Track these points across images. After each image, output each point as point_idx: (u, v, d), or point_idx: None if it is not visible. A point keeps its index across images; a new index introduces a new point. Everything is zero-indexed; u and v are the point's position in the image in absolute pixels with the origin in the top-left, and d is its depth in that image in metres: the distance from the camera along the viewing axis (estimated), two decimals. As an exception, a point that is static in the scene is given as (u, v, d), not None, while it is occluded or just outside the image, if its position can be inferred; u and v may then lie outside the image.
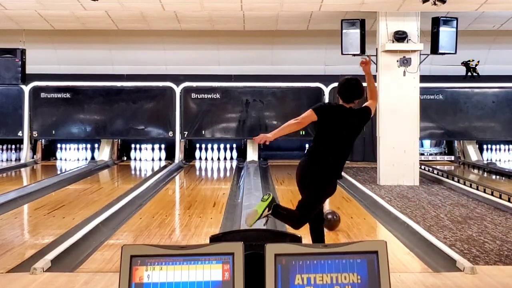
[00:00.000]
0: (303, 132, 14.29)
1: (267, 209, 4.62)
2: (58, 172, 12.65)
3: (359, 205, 8.39)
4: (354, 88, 4.82)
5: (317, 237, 4.95)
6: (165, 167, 13.08)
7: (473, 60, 13.48)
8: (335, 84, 14.38)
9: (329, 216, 6.40)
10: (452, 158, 14.91)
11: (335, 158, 4.80)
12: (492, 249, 5.64)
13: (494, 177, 12.03)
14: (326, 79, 14.46)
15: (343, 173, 5.10)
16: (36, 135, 14.32)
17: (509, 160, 14.61)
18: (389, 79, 10.47)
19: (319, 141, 4.87)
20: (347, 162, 14.97)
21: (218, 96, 14.37)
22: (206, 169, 13.71)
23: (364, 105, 4.93)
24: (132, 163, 14.40)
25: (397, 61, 10.23)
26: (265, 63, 14.44)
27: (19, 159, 14.36)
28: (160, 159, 14.59)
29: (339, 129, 4.77)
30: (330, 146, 4.77)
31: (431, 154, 14.93)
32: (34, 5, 10.28)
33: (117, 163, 14.27)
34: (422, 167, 12.49)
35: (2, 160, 14.45)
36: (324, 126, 4.83)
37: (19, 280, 4.39)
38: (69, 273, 4.60)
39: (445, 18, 10.55)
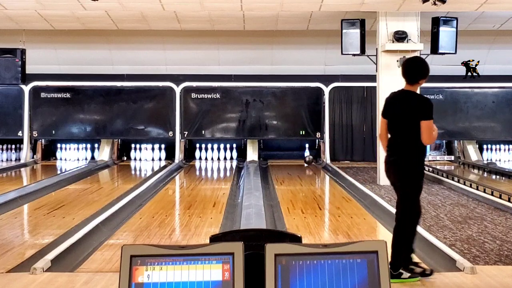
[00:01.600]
0: (303, 132, 14.31)
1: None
2: (58, 172, 12.65)
3: (359, 205, 8.39)
4: (418, 67, 4.61)
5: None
6: (165, 167, 13.08)
7: (473, 60, 13.48)
8: (335, 84, 14.43)
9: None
10: (452, 158, 14.91)
11: (391, 147, 4.60)
12: (492, 249, 5.64)
13: (494, 177, 12.03)
14: (326, 79, 14.47)
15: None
16: (36, 135, 14.32)
17: (509, 160, 14.61)
18: (389, 79, 10.45)
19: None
20: (347, 162, 14.88)
21: (218, 96, 14.37)
22: (206, 169, 13.71)
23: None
24: (132, 163, 14.40)
25: (397, 61, 10.23)
26: (265, 63, 14.44)
27: (19, 159, 14.36)
28: (160, 159, 14.59)
29: (393, 115, 4.59)
30: (390, 136, 4.62)
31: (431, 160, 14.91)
32: (34, 5, 10.27)
33: (117, 163, 14.27)
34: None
35: (2, 160, 14.46)
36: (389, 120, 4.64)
37: (19, 280, 4.39)
38: (69, 273, 4.60)
39: (445, 18, 10.55)
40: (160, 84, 14.24)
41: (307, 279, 2.31)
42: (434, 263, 5.17)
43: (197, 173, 13.16)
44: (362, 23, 10.68)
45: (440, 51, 10.55)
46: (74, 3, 10.01)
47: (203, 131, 14.37)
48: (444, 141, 15.12)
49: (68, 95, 14.28)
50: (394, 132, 4.57)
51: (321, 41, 13.74)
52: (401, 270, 4.32)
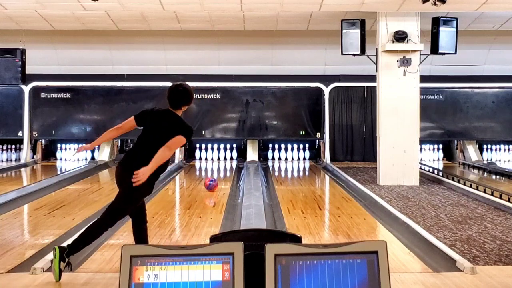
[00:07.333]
0: (303, 132, 14.30)
1: (61, 261, 4.20)
2: (58, 172, 12.64)
3: (359, 205, 8.39)
4: None
5: None
6: (165, 167, 13.06)
7: None
8: (335, 84, 14.45)
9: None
10: (452, 158, 14.93)
11: None
12: (492, 249, 5.64)
13: (494, 177, 12.03)
14: (326, 79, 14.47)
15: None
16: (36, 135, 14.32)
17: (509, 160, 14.61)
18: (389, 79, 10.46)
19: None
20: (347, 162, 14.88)
21: (218, 96, 14.37)
22: (206, 169, 13.71)
23: None
24: (132, 163, 14.37)
25: (397, 61, 10.23)
26: (265, 63, 14.44)
27: (19, 159, 14.36)
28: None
29: None
30: None
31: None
32: (34, 5, 10.27)
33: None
34: (422, 167, 12.49)
35: (2, 160, 14.45)
36: None
37: (19, 280, 4.39)
38: (69, 273, 4.59)
39: (445, 18, 10.55)
40: (160, 84, 14.23)
41: (307, 279, 2.31)
42: (434, 263, 5.17)
43: (197, 173, 13.16)
44: (362, 23, 10.68)
45: (440, 51, 10.55)
46: (74, 3, 10.01)
47: (203, 131, 14.37)
48: (441, 149, 15.04)
49: (68, 95, 14.28)
50: None
51: (321, 41, 13.74)
52: None
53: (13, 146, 14.64)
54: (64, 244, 4.40)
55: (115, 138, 4.83)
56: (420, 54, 10.53)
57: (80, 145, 4.68)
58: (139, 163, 4.51)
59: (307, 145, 14.84)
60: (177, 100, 4.71)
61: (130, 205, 4.56)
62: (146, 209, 4.78)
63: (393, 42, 10.36)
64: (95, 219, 4.58)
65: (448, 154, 15.05)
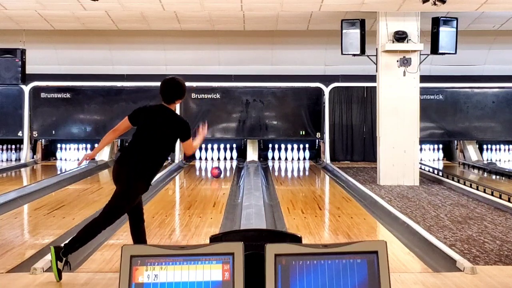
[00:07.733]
0: (303, 132, 14.30)
1: (58, 261, 4.23)
2: (58, 172, 12.64)
3: (359, 205, 8.39)
4: None
5: None
6: (165, 167, 13.07)
7: None
8: (335, 84, 14.45)
9: None
10: (452, 158, 14.93)
11: None
12: (492, 249, 5.64)
13: (494, 177, 12.03)
14: (326, 79, 14.47)
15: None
16: (36, 135, 14.32)
17: (509, 160, 14.61)
18: (389, 79, 10.47)
19: None
20: (347, 162, 14.95)
21: (218, 96, 14.37)
22: (206, 169, 13.71)
23: None
24: (132, 163, 14.36)
25: (397, 61, 10.23)
26: (265, 63, 14.44)
27: (19, 159, 14.36)
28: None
29: None
30: None
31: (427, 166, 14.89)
32: (34, 5, 10.27)
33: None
34: (422, 167, 12.49)
35: (2, 160, 14.45)
36: None
37: (19, 280, 4.39)
38: (69, 273, 4.60)
39: (445, 18, 10.55)
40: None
41: (307, 279, 2.31)
42: (434, 263, 5.17)
43: (197, 173, 13.16)
44: (362, 23, 10.68)
45: (440, 51, 10.55)
46: (74, 3, 10.01)
47: (203, 131, 14.35)
48: (441, 149, 15.06)
49: (68, 95, 14.28)
50: None
51: (321, 41, 13.75)
52: None
53: (13, 146, 14.64)
54: (62, 244, 4.41)
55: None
56: (420, 54, 10.53)
57: (83, 154, 4.65)
58: (135, 160, 4.49)
59: (307, 145, 14.85)
60: (171, 95, 4.63)
61: (127, 202, 4.52)
62: (143, 208, 4.77)
63: (393, 42, 10.36)
64: (93, 218, 4.58)
65: (448, 154, 15.06)
